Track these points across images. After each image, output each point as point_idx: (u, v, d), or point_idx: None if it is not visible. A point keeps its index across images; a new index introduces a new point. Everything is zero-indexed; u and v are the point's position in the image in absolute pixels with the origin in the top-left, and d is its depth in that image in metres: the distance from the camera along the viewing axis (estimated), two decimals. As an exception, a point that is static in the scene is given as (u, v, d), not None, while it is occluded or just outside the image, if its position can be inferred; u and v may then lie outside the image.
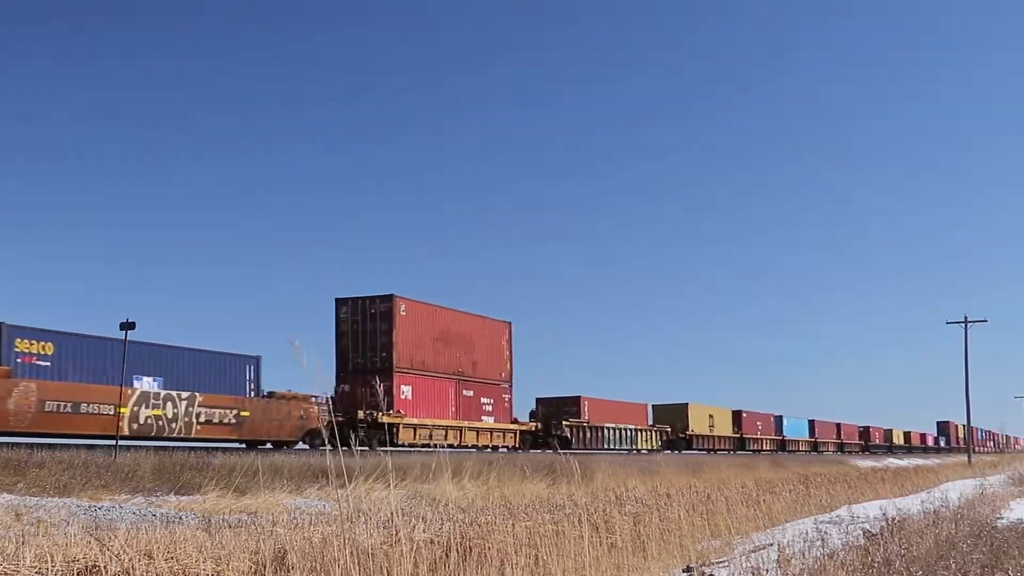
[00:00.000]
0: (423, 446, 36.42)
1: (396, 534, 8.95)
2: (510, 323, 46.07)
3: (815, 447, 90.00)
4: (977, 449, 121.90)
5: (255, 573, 8.19)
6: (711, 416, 69.21)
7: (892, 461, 61.19)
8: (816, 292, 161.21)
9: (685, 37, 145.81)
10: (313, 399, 33.86)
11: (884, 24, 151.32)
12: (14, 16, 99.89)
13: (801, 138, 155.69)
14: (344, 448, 10.65)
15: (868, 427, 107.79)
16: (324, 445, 9.73)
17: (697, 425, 66.46)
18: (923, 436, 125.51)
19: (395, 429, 35.50)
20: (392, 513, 9.46)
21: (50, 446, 22.84)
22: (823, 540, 13.43)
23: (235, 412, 31.37)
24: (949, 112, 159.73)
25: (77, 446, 23.38)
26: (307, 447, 33.38)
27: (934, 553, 11.78)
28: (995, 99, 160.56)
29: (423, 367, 38.78)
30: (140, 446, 26.25)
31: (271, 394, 33.30)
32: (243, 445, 31.90)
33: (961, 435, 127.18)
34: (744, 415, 74.49)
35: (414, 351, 38.35)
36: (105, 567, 7.41)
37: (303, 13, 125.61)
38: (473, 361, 42.20)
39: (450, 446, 37.45)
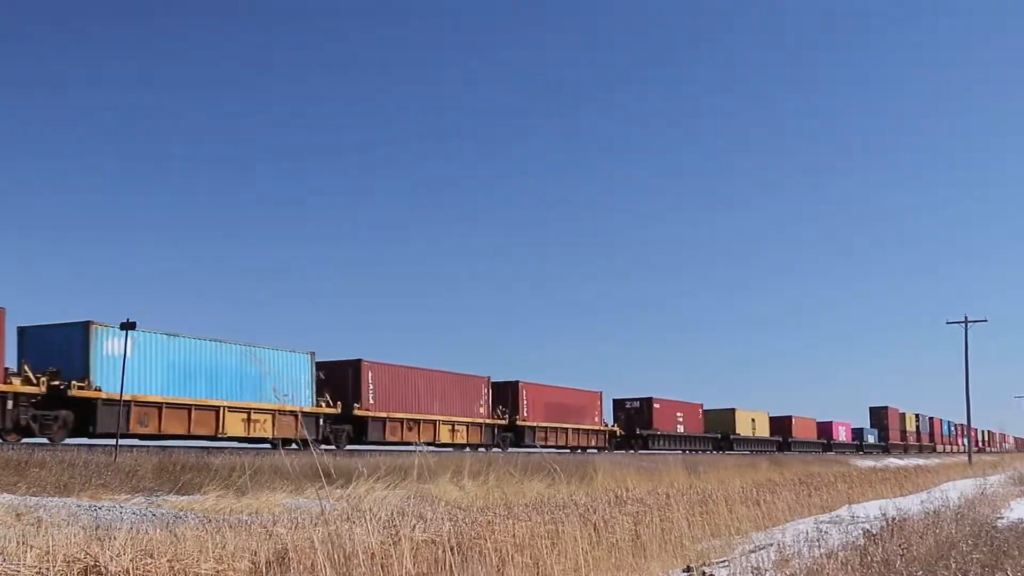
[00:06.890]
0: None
1: (396, 533, 8.96)
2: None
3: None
4: (948, 448, 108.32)
5: (255, 573, 8.19)
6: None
7: (893, 461, 60.95)
8: (806, 290, 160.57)
9: (684, 38, 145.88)
10: None
11: (885, 25, 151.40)
12: (14, 16, 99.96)
13: (801, 138, 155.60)
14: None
15: (650, 397, 57.58)
16: None
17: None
18: (825, 427, 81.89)
19: None
20: (392, 512, 9.46)
21: (50, 446, 22.79)
22: (823, 540, 13.43)
23: None
24: (950, 113, 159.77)
25: (79, 446, 23.34)
26: None
27: (934, 553, 11.76)
28: (995, 99, 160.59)
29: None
30: (142, 446, 26.24)
31: None
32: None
33: (911, 428, 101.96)
34: None
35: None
36: (105, 567, 7.41)
37: (304, 14, 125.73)
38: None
39: None
